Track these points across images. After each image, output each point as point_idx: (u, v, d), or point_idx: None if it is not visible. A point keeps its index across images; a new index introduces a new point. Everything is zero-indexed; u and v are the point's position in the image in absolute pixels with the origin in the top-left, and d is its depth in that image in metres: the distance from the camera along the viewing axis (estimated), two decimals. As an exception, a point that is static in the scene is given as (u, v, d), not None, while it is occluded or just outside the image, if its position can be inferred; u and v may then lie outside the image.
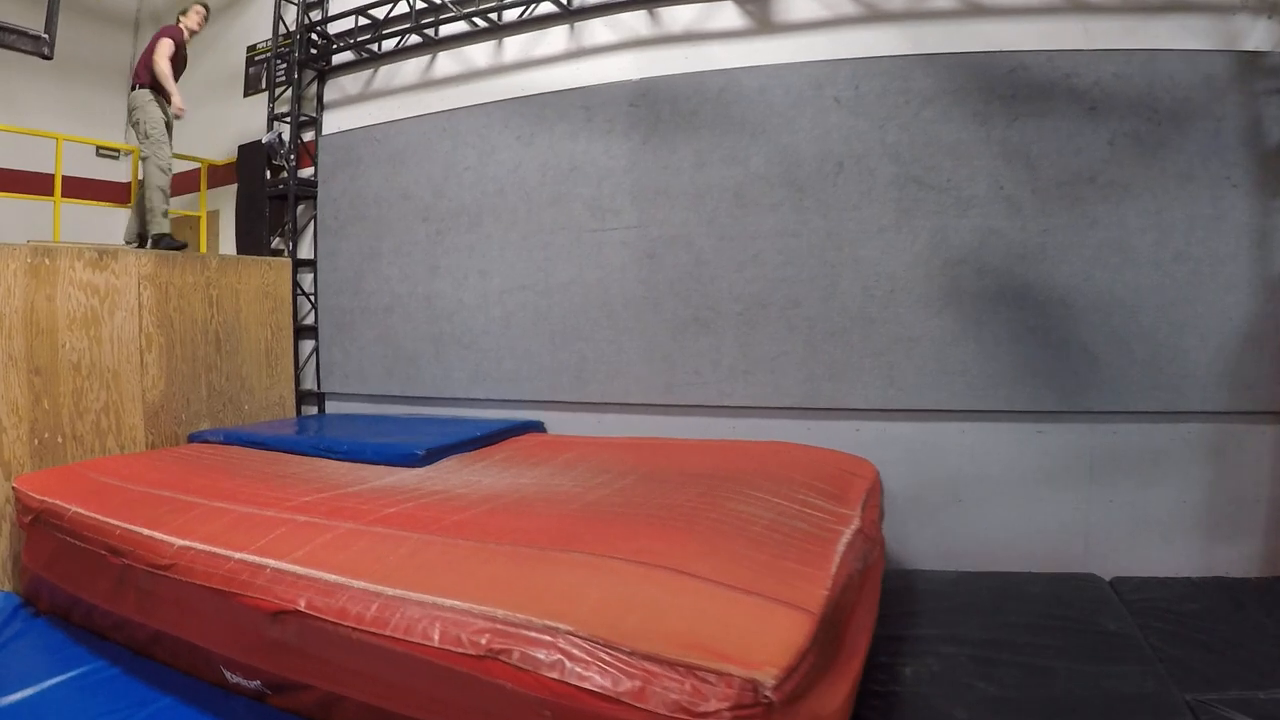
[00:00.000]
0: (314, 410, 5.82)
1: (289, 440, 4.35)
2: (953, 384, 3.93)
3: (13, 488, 3.50)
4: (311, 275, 5.83)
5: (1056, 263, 3.74)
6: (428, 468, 3.75)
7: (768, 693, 1.62)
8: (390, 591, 2.11)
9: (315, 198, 5.78)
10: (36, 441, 3.85)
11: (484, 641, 1.88)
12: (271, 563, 2.38)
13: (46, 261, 3.96)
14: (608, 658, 1.75)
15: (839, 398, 4.13)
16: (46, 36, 3.23)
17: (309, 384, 5.83)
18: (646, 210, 4.51)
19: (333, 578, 2.23)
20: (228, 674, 2.59)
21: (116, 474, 3.56)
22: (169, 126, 5.27)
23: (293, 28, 5.82)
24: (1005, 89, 3.80)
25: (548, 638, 1.83)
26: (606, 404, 4.67)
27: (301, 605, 2.19)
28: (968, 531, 3.87)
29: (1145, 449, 3.68)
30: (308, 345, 5.85)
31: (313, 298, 5.82)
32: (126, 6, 7.37)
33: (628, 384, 4.59)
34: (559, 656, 1.78)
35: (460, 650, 1.89)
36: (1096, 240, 3.69)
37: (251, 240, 5.74)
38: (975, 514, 3.88)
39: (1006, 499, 3.83)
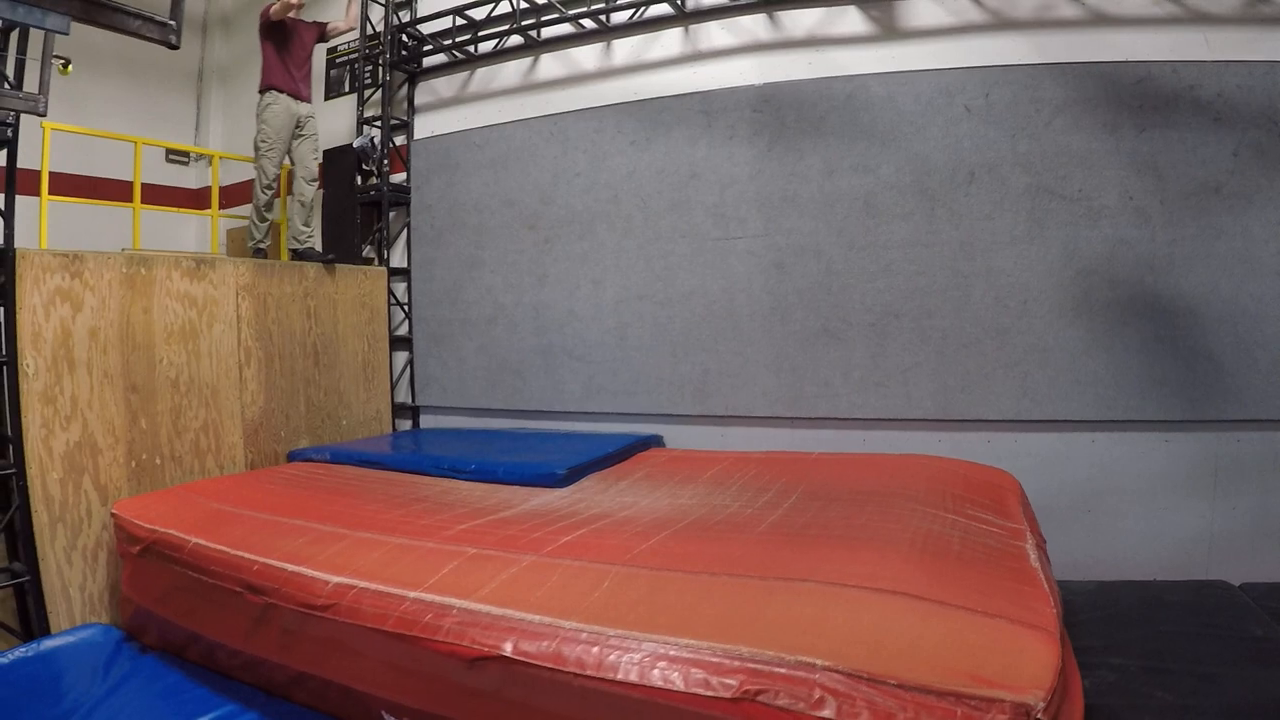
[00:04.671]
0: (408, 424, 5.91)
1: (407, 459, 4.35)
2: (1084, 394, 4.05)
3: (112, 514, 3.40)
4: (404, 284, 5.94)
5: (1184, 273, 3.88)
6: (569, 488, 3.75)
7: (1039, 715, 1.66)
8: (612, 632, 2.04)
9: (407, 204, 5.90)
10: (134, 463, 3.80)
11: (736, 683, 1.83)
12: (457, 602, 2.29)
13: (143, 271, 3.92)
14: (873, 692, 1.76)
15: (972, 409, 4.26)
16: (174, 24, 2.95)
17: (402, 397, 5.92)
18: (773, 219, 4.60)
19: (538, 618, 2.15)
20: (388, 717, 2.51)
21: (226, 498, 3.51)
22: (302, 124, 5.28)
23: (379, 29, 5.94)
24: (1133, 99, 3.92)
25: (804, 674, 1.82)
26: (730, 417, 4.75)
27: (507, 650, 2.10)
28: (1097, 541, 4.01)
29: (1268, 456, 3.83)
30: (400, 357, 5.93)
31: (406, 308, 5.92)
32: (194, 8, 7.51)
33: (753, 396, 4.67)
34: (821, 693, 1.79)
35: (710, 694, 1.84)
36: (1222, 250, 3.82)
37: (340, 248, 5.79)
38: (1105, 524, 4.03)
39: (1134, 508, 3.99)
